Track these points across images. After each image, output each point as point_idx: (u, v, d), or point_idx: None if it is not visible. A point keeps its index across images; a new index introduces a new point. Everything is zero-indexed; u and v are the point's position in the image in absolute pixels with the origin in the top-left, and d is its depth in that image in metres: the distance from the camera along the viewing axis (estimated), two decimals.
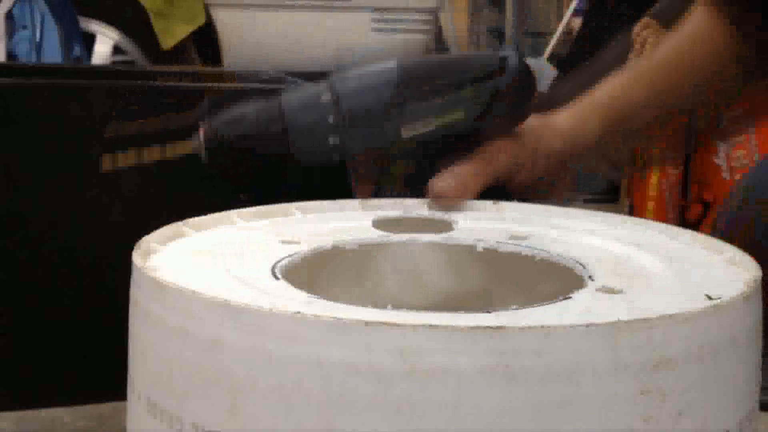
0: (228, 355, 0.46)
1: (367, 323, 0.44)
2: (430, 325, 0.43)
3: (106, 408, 1.21)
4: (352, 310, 0.48)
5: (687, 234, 0.64)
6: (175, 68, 2.11)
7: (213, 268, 0.56)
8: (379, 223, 0.68)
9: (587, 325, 0.44)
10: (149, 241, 0.59)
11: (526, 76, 0.79)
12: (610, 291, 0.53)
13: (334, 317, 0.44)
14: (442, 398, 0.43)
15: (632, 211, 1.77)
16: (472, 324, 0.43)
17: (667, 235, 0.65)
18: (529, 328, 0.44)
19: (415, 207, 0.73)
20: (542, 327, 0.44)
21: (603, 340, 0.44)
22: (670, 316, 0.46)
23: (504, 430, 0.44)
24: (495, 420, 0.43)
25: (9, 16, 2.80)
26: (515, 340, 0.43)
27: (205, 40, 3.03)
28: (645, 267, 0.58)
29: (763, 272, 0.54)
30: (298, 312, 0.45)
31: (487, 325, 0.43)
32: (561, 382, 0.44)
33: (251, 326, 0.45)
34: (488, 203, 0.73)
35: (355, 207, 0.72)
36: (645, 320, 0.45)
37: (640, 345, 0.45)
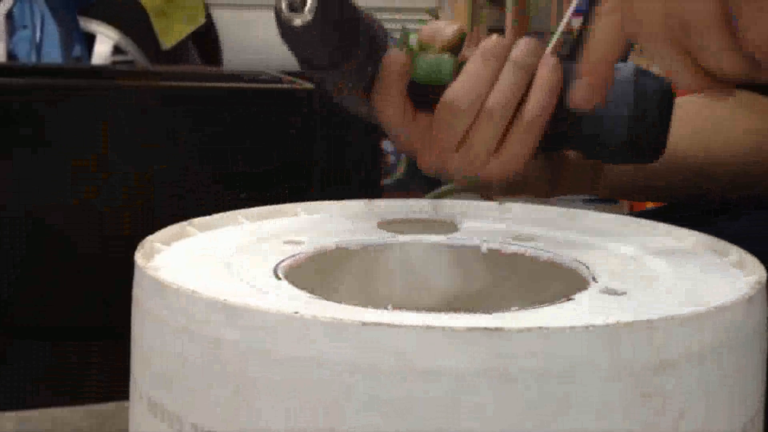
0: (227, 354, 0.46)
1: (364, 324, 0.44)
2: (427, 326, 0.43)
3: (106, 408, 1.21)
4: (351, 310, 0.48)
5: (692, 236, 0.64)
6: (175, 68, 2.11)
7: (215, 268, 0.56)
8: (384, 224, 0.68)
9: (587, 327, 0.44)
10: (153, 240, 0.59)
11: None
12: (613, 292, 0.53)
13: (331, 317, 0.44)
14: (440, 399, 0.43)
15: (632, 210, 1.76)
16: (469, 325, 0.43)
17: (673, 236, 0.65)
18: (528, 329, 0.43)
19: (421, 207, 0.73)
20: (540, 328, 0.44)
21: (603, 342, 0.44)
22: (672, 317, 0.46)
23: None
24: (493, 421, 0.43)
25: (9, 16, 2.80)
26: (513, 341, 0.43)
27: (205, 40, 3.03)
28: (649, 269, 0.58)
29: None
30: (296, 312, 0.45)
31: (484, 326, 0.43)
32: (560, 383, 0.43)
33: (250, 326, 0.45)
34: (493, 204, 0.73)
35: (360, 208, 0.73)
36: (646, 322, 0.45)
37: (641, 347, 0.45)
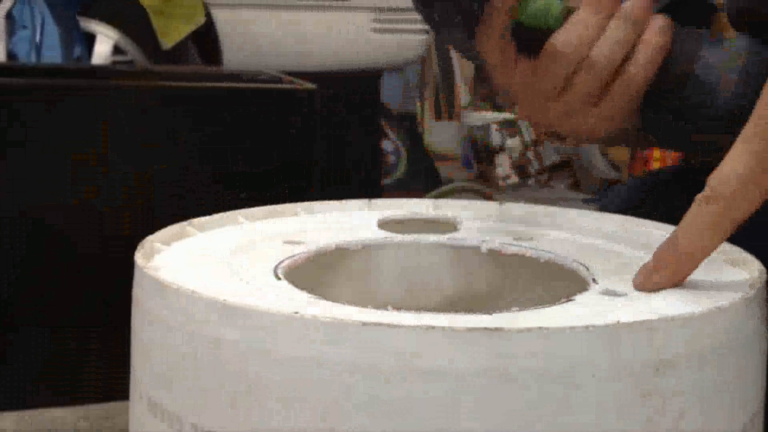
0: (227, 355, 0.46)
1: (364, 324, 0.44)
2: (428, 326, 0.43)
3: (106, 408, 1.21)
4: (351, 310, 0.48)
5: None
6: (175, 68, 2.11)
7: (215, 268, 0.56)
8: (384, 224, 0.68)
9: (587, 327, 0.44)
10: (152, 240, 0.59)
11: None
12: (613, 293, 0.53)
13: (331, 318, 0.44)
14: (440, 400, 0.43)
15: (632, 173, 1.75)
16: (470, 325, 0.43)
17: None
18: (528, 329, 0.43)
19: (421, 207, 0.73)
20: (541, 328, 0.44)
21: (603, 342, 0.44)
22: (672, 317, 0.46)
23: None
24: (493, 422, 0.43)
25: (9, 16, 2.80)
26: (514, 341, 0.43)
27: (205, 40, 3.03)
28: None
29: None
30: (296, 312, 0.45)
31: (485, 326, 0.43)
32: (560, 384, 0.43)
33: (249, 326, 0.45)
34: (493, 204, 0.73)
35: (361, 207, 0.73)
36: (645, 322, 0.45)
37: (641, 347, 0.45)
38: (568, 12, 0.70)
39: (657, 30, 0.70)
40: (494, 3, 0.69)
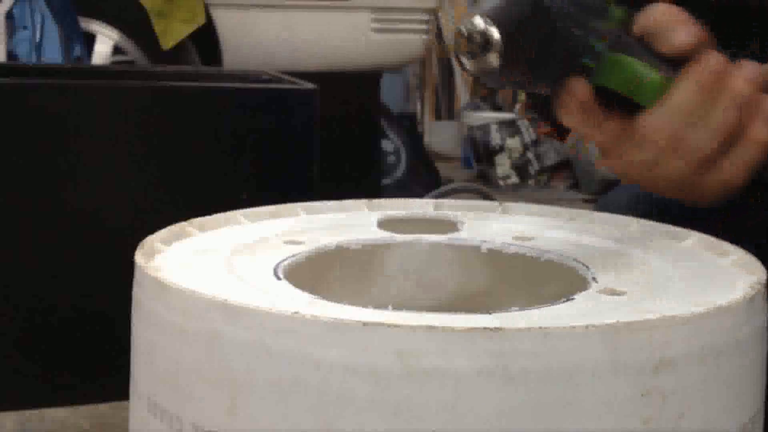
0: (227, 354, 0.46)
1: (365, 324, 0.44)
2: (428, 326, 0.43)
3: (106, 408, 1.22)
4: (351, 310, 0.48)
5: (693, 236, 0.64)
6: (175, 68, 2.11)
7: (215, 268, 0.56)
8: (384, 224, 0.68)
9: (586, 326, 0.44)
10: (153, 240, 0.59)
11: None
12: (613, 292, 0.53)
13: (332, 317, 0.44)
14: (440, 399, 0.43)
15: None
16: (470, 325, 0.43)
17: (674, 237, 0.65)
18: (528, 329, 0.44)
19: (421, 207, 0.73)
20: (540, 328, 0.44)
21: (602, 341, 0.44)
22: (671, 317, 0.46)
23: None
24: (493, 421, 0.43)
25: (9, 16, 2.80)
26: (514, 341, 0.43)
27: (205, 40, 3.03)
28: (650, 268, 0.58)
29: None
30: (297, 312, 0.45)
31: (485, 326, 0.43)
32: (560, 383, 0.44)
33: (249, 326, 0.46)
34: (493, 204, 0.73)
35: (361, 207, 0.73)
36: (645, 321, 0.45)
37: (641, 346, 0.45)
38: (664, 85, 0.58)
39: (765, 122, 0.59)
40: (566, 94, 0.59)
